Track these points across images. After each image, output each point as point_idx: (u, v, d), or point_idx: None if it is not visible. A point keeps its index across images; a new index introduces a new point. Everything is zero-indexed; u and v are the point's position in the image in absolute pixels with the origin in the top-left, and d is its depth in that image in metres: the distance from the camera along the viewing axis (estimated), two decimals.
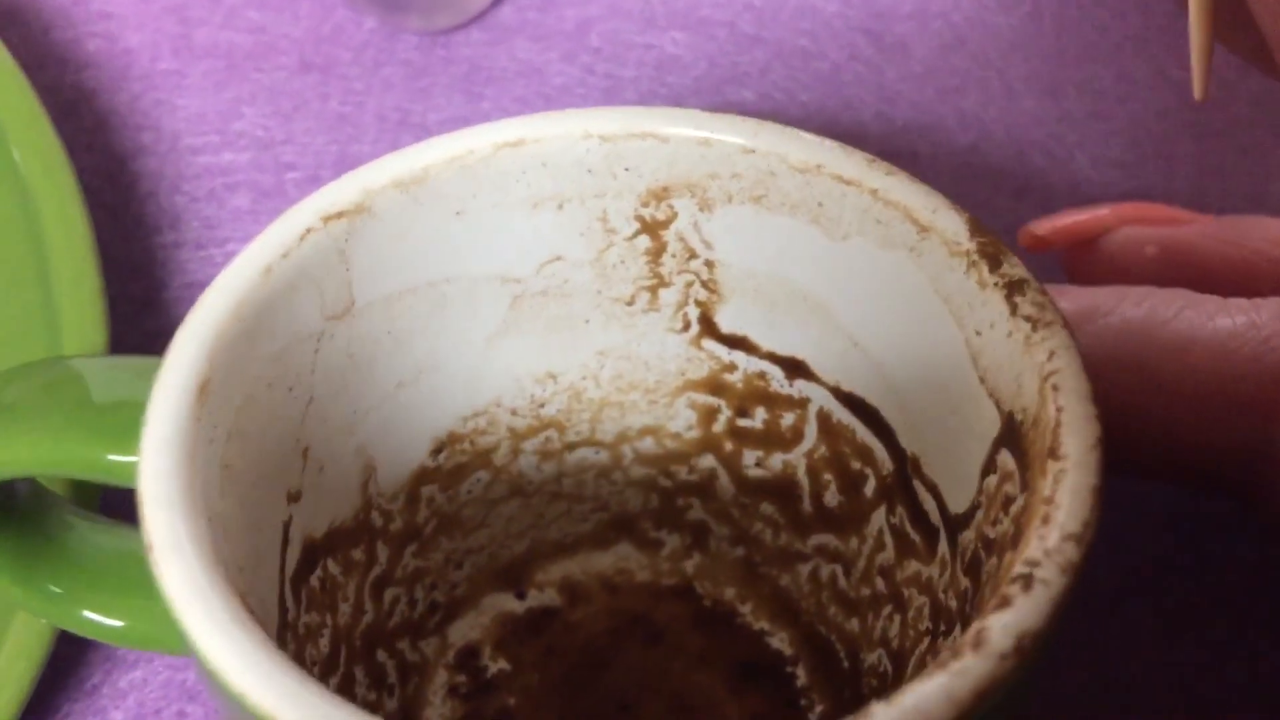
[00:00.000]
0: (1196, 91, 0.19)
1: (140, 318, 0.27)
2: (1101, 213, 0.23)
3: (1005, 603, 0.14)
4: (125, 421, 0.18)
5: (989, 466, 0.18)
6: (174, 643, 0.20)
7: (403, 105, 0.29)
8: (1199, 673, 0.23)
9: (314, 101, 0.29)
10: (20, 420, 0.18)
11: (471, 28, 0.29)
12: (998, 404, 0.18)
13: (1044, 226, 0.24)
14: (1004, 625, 0.14)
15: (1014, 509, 0.17)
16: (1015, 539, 0.16)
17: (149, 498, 0.15)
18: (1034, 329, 0.17)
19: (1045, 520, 0.15)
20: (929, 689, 0.14)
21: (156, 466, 0.15)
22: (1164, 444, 0.21)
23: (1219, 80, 0.28)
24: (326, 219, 0.19)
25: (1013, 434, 0.17)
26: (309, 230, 0.18)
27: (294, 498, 0.19)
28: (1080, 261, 0.24)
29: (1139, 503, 0.25)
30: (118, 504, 0.24)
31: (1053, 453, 0.16)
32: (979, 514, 0.18)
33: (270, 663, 0.14)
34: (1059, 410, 0.16)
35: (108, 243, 0.27)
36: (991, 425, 0.18)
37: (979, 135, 0.28)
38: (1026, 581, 0.14)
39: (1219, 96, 0.28)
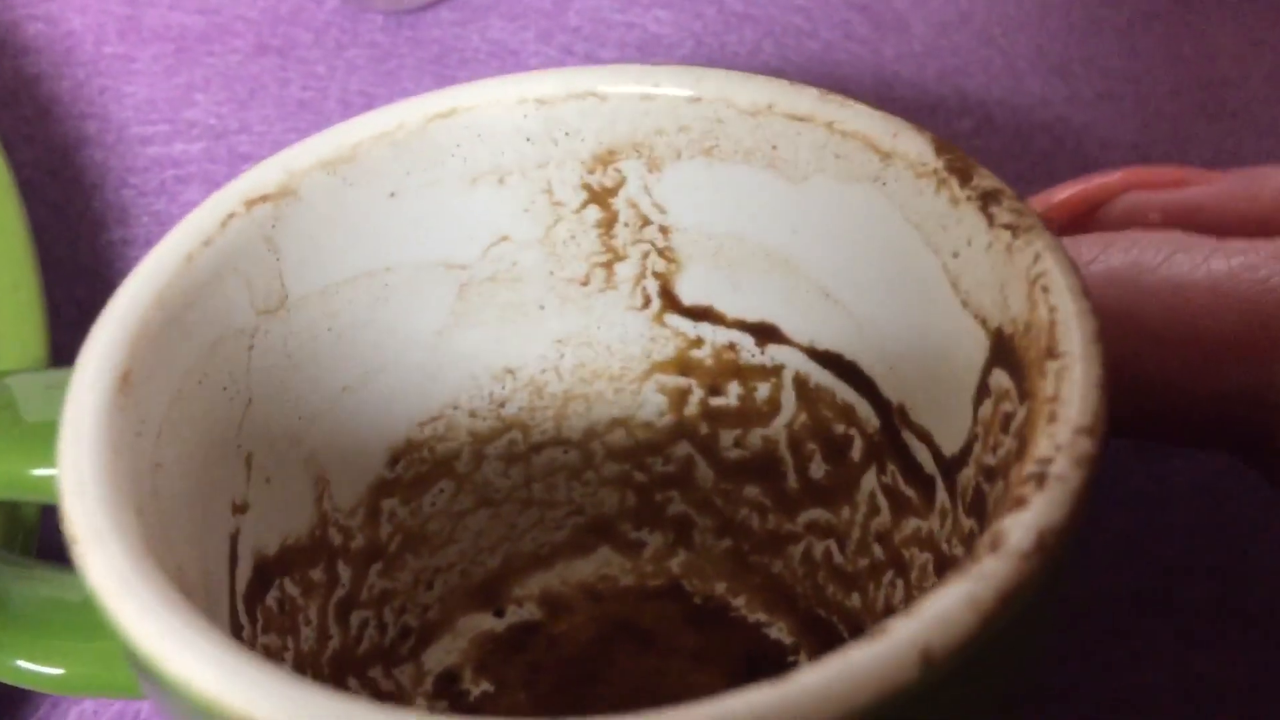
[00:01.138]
0: None
1: (86, 323, 0.24)
2: (1100, 180, 0.22)
3: (1021, 503, 0.13)
4: (53, 436, 0.16)
5: (981, 393, 0.17)
6: (117, 683, 0.18)
7: (368, 90, 0.27)
8: (1215, 683, 0.22)
9: (272, 87, 0.27)
10: None
11: (441, 6, 0.28)
12: (984, 323, 0.17)
13: (1041, 201, 0.22)
14: (1023, 524, 0.13)
15: (1015, 424, 0.16)
16: (1021, 451, 0.15)
17: (68, 489, 0.14)
18: (1015, 235, 0.16)
19: (1052, 418, 0.14)
20: (950, 597, 0.12)
21: (76, 456, 0.14)
22: (1158, 397, 0.20)
23: (1233, 58, 0.27)
24: (249, 203, 0.17)
25: (1003, 350, 0.16)
26: (231, 215, 0.17)
27: (240, 509, 0.18)
28: (1082, 233, 0.23)
29: (1155, 509, 0.23)
30: (55, 549, 0.23)
31: (1050, 352, 0.15)
32: (976, 446, 0.17)
33: (208, 642, 0.12)
34: (1052, 310, 0.15)
35: (50, 242, 0.25)
36: (979, 349, 0.17)
37: (982, 118, 0.27)
38: (1040, 479, 0.13)
39: (1233, 76, 0.27)
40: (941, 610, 0.12)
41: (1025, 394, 0.15)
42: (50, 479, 0.16)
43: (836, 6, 0.28)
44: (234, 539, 0.18)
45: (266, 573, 0.19)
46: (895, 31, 0.28)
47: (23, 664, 0.17)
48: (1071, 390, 0.14)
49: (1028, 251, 0.16)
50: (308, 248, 0.18)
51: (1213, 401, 0.20)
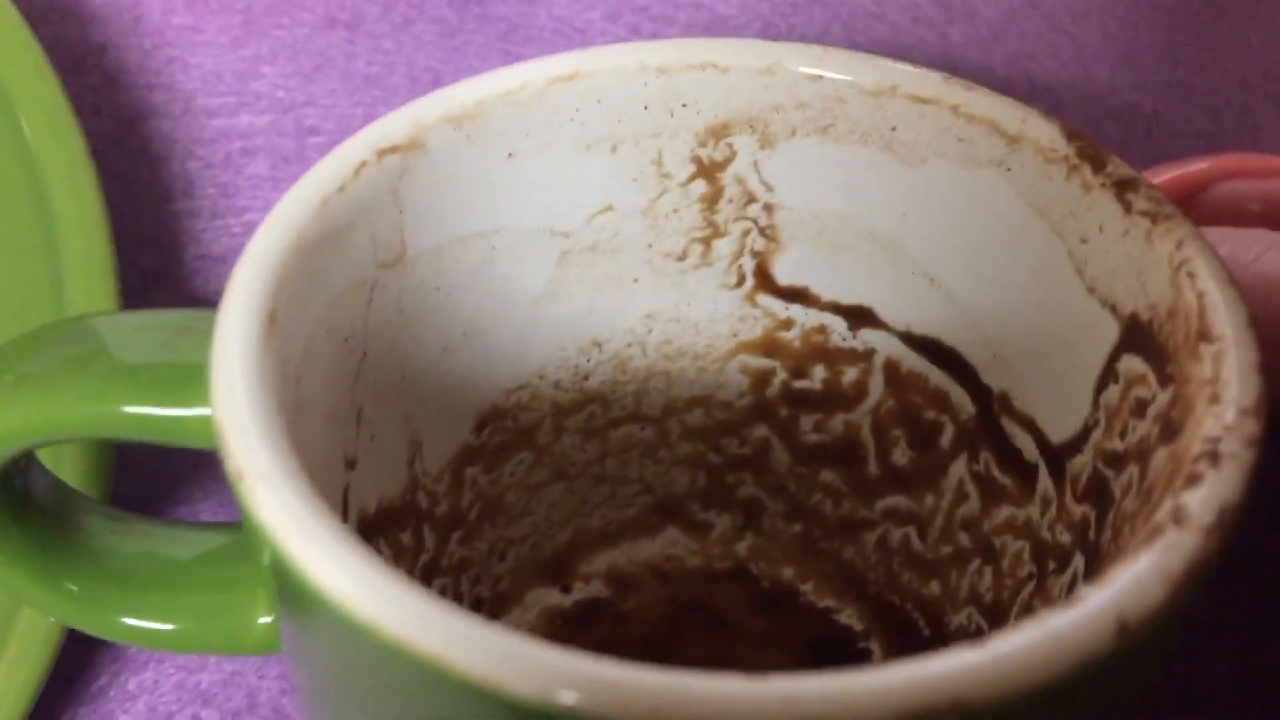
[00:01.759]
0: None
1: (151, 292, 0.25)
2: (1200, 166, 0.22)
3: (1196, 479, 0.13)
4: (169, 376, 0.16)
5: (1106, 379, 0.17)
6: (216, 639, 0.18)
7: (435, 65, 0.27)
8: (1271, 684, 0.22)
9: (339, 60, 0.27)
10: (51, 380, 0.16)
11: None
12: (1113, 309, 0.17)
13: None
14: (1202, 500, 0.13)
15: (1154, 409, 0.16)
16: (1169, 433, 0.15)
17: (230, 426, 0.13)
18: (1154, 222, 0.16)
19: (1215, 400, 0.14)
20: (1140, 567, 0.12)
21: (233, 393, 0.14)
22: None
23: None
24: (380, 153, 0.17)
25: (1138, 335, 0.16)
26: (364, 164, 0.17)
27: (350, 464, 0.18)
28: None
29: None
30: (124, 498, 0.22)
31: (1204, 336, 0.15)
32: (1095, 432, 0.17)
33: (396, 585, 0.12)
34: (1200, 294, 0.15)
35: (116, 211, 0.24)
36: (1106, 335, 0.17)
37: (1050, 105, 0.27)
38: (1213, 458, 0.13)
39: None
40: (1134, 580, 0.12)
41: (1170, 378, 0.15)
42: (144, 416, 0.16)
43: None
44: (345, 494, 0.17)
45: (365, 531, 0.18)
46: (963, 16, 0.28)
47: (132, 621, 0.17)
48: (1231, 372, 0.14)
49: (1169, 239, 0.16)
50: (429, 203, 0.18)
51: None
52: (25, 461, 0.17)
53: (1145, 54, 0.28)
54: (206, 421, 0.15)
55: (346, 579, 0.12)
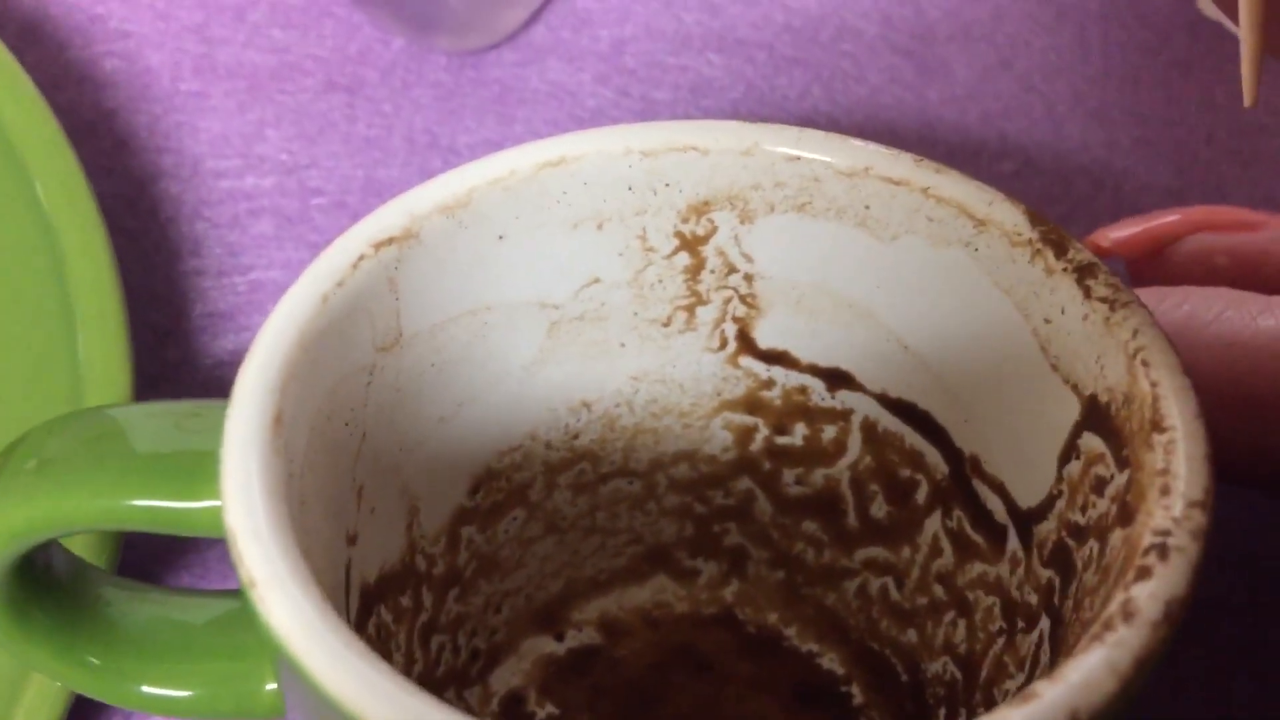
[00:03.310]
0: (1247, 98, 0.19)
1: (161, 348, 0.26)
2: (1170, 219, 0.23)
3: (1145, 573, 0.14)
4: (178, 468, 0.17)
5: (1069, 453, 0.18)
6: (228, 705, 0.19)
7: (432, 128, 0.28)
8: (1249, 714, 0.23)
9: (340, 124, 0.28)
10: (67, 473, 0.17)
11: (502, 48, 0.29)
12: (1075, 388, 0.18)
13: (1109, 236, 0.23)
14: (1150, 594, 0.14)
15: (1111, 489, 0.17)
16: (1124, 516, 0.16)
17: (243, 533, 0.14)
18: (1112, 309, 0.17)
19: (1165, 491, 0.15)
20: (1090, 663, 0.13)
21: (247, 500, 0.15)
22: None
23: (1269, 107, 0.28)
24: (377, 246, 0.18)
25: (1097, 416, 0.17)
26: (362, 258, 0.18)
27: (352, 540, 0.19)
28: (1147, 272, 0.23)
29: None
30: (131, 569, 0.23)
31: (1156, 426, 0.16)
32: (1059, 503, 0.18)
33: (405, 693, 0.13)
34: (1154, 384, 0.16)
35: (126, 270, 0.25)
36: (1068, 412, 0.18)
37: (1022, 161, 0.28)
38: (1162, 551, 0.14)
39: (1269, 123, 0.28)
40: (1085, 676, 0.13)
41: (1125, 462, 0.16)
42: (155, 509, 0.17)
43: (882, 52, 0.29)
44: (348, 570, 0.18)
45: (368, 601, 0.19)
46: (939, 77, 0.29)
47: (149, 690, 0.18)
48: (1182, 465, 0.15)
49: (1126, 326, 0.17)
50: (423, 287, 0.19)
51: (1261, 454, 0.21)
52: (45, 544, 0.18)
53: (1113, 112, 0.29)
54: (216, 513, 0.16)
55: (358, 687, 0.13)
